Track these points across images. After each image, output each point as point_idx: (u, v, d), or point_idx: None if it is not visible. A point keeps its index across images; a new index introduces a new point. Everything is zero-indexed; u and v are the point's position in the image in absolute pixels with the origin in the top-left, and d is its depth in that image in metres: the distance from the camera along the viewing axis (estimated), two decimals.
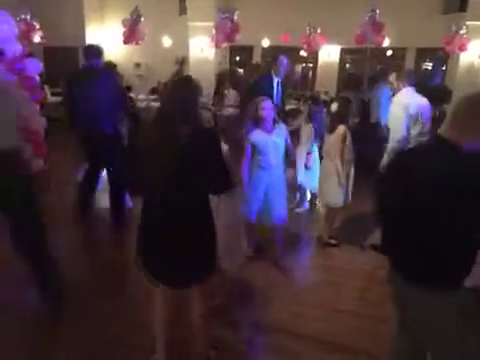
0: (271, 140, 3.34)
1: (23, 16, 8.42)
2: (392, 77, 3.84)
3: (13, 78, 5.12)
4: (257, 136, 3.33)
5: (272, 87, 4.46)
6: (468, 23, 7.93)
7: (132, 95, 9.20)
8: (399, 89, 3.80)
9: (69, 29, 10.34)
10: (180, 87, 2.06)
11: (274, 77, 4.49)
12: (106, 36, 11.69)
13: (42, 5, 9.88)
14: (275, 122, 3.37)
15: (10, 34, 5.14)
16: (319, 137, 4.34)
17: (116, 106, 3.91)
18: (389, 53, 9.60)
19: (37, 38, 8.83)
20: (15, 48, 5.08)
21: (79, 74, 4.08)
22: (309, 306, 3.07)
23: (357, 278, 3.54)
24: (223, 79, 10.07)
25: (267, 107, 3.29)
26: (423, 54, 9.45)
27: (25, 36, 8.15)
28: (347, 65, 10.44)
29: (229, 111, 7.72)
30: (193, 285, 2.21)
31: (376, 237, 3.76)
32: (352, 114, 4.11)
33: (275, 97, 4.48)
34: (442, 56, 9.07)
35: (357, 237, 4.21)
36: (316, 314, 2.98)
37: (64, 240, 3.80)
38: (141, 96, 9.63)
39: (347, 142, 3.72)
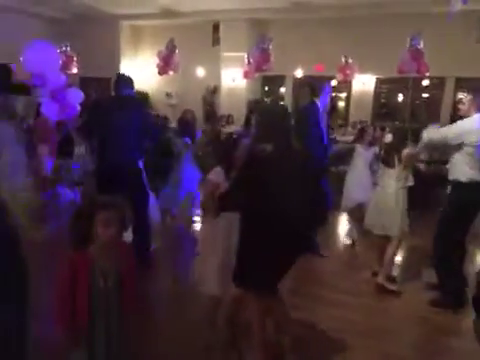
0: None
1: (64, 48, 8.69)
2: (466, 99, 3.46)
3: (55, 106, 5.17)
4: None
5: (319, 119, 4.27)
6: None
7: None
8: (470, 113, 3.41)
9: (104, 60, 10.60)
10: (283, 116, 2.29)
11: (319, 105, 4.31)
12: (139, 67, 11.94)
13: (79, 37, 10.23)
14: None
15: (54, 65, 5.22)
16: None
17: (144, 137, 3.79)
18: (426, 83, 9.37)
19: (75, 69, 9.06)
20: (59, 78, 5.15)
21: (109, 102, 3.97)
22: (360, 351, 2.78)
23: (413, 324, 3.25)
24: (254, 109, 10.08)
25: None
26: (462, 84, 9.19)
27: (66, 67, 8.38)
28: (382, 95, 10.25)
29: None
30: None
31: (431, 275, 3.53)
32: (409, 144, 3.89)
33: (323, 129, 4.30)
34: None
35: (413, 274, 3.99)
36: None
37: None
38: (173, 125, 9.66)
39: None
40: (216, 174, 2.61)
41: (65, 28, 10.73)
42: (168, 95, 11.71)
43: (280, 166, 2.14)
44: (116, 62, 11.31)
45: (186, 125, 4.98)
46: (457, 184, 3.32)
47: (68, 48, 9.01)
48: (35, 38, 5.50)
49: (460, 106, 3.48)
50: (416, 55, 6.48)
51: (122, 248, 1.97)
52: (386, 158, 3.71)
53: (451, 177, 3.38)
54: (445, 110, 9.20)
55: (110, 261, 1.88)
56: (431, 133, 3.46)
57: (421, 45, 6.59)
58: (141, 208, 3.63)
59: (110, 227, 1.81)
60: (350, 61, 8.69)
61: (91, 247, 1.85)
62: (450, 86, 9.17)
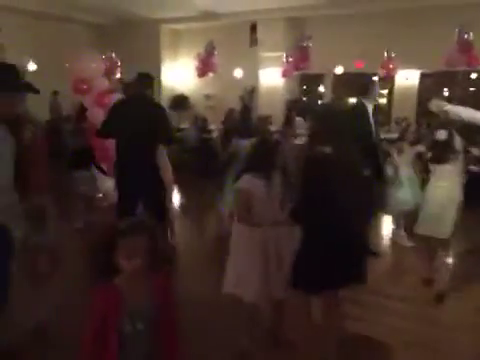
0: None
1: (108, 54, 8.95)
2: None
3: (100, 111, 5.33)
4: None
5: (369, 118, 4.02)
6: None
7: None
8: None
9: (146, 64, 10.83)
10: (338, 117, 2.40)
11: (368, 105, 4.06)
12: (179, 69, 12.13)
13: (121, 42, 10.52)
14: None
15: (98, 71, 5.41)
16: None
17: (158, 138, 3.74)
18: (474, 76, 8.88)
19: (118, 74, 9.31)
20: (103, 84, 5.32)
21: (125, 102, 3.95)
22: None
23: (464, 333, 3.05)
24: (292, 107, 9.96)
25: None
26: None
27: (110, 72, 8.60)
28: (427, 90, 9.81)
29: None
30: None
31: None
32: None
33: (374, 131, 4.07)
34: None
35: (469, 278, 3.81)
36: None
37: None
38: (212, 126, 9.73)
39: None
40: (247, 181, 2.44)
41: (108, 34, 11.09)
42: (207, 97, 11.82)
43: (340, 168, 2.12)
44: (157, 66, 11.54)
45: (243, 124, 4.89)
46: None
47: (113, 54, 9.26)
48: (79, 44, 5.71)
49: None
50: (465, 47, 6.12)
51: (155, 281, 1.58)
52: (439, 156, 3.52)
53: None
54: None
55: (140, 298, 1.53)
56: (457, 109, 3.31)
57: (470, 37, 6.21)
58: (157, 204, 3.69)
59: (134, 258, 1.47)
60: (393, 55, 8.38)
61: (117, 279, 1.53)
62: None
